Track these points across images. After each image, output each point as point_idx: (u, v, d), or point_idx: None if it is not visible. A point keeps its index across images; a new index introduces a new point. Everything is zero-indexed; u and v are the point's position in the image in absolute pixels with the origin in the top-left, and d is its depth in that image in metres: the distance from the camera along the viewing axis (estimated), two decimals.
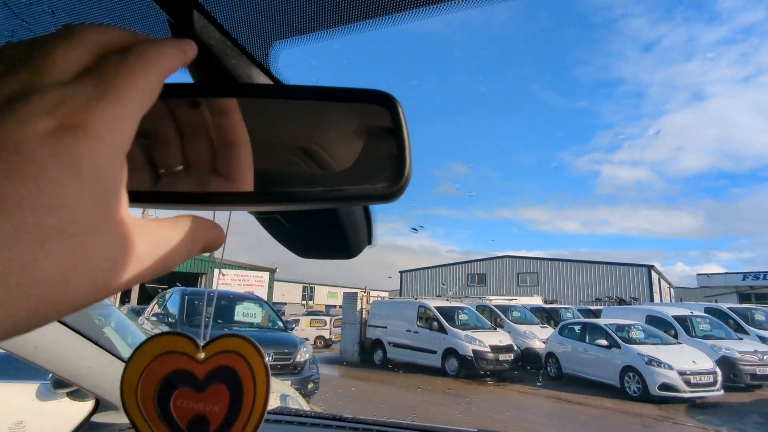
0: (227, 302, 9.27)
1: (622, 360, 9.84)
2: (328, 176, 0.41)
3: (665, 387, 8.94)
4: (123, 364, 1.58)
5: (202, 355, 0.65)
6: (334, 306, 31.31)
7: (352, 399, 9.00)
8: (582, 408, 8.68)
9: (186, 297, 9.32)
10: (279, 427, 1.52)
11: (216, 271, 24.16)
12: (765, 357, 10.35)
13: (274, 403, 3.90)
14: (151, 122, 0.47)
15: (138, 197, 0.50)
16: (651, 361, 9.32)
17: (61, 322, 1.24)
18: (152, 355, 0.65)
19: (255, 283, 23.79)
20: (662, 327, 11.40)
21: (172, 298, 9.78)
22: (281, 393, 4.01)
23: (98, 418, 1.44)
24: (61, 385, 2.44)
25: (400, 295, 28.59)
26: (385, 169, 0.40)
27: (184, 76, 0.49)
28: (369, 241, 0.70)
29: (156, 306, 10.26)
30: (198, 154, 0.43)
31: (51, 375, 2.49)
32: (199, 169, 0.43)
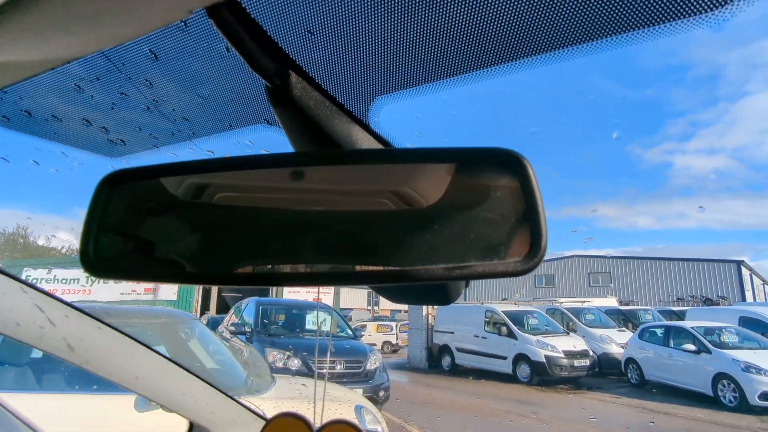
0: (298, 311, 9.61)
1: (714, 366, 9.04)
2: (451, 251, 0.37)
3: (767, 396, 8.10)
4: (213, 389, 1.67)
5: None
6: (399, 311, 31.40)
7: (424, 406, 8.96)
8: (670, 419, 8.07)
9: (260, 307, 9.75)
10: None
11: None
12: None
13: (349, 414, 3.96)
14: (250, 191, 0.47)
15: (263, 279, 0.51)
16: (748, 367, 8.49)
17: (158, 353, 1.35)
18: None
19: (322, 291, 24.41)
20: (759, 330, 10.36)
21: (248, 308, 10.26)
22: (356, 404, 4.07)
23: None
24: (144, 406, 2.65)
25: (465, 299, 28.17)
26: (516, 241, 0.35)
27: (283, 144, 0.49)
28: (467, 284, 0.66)
29: (233, 316, 10.80)
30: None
31: None
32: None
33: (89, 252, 0.45)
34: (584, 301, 17.46)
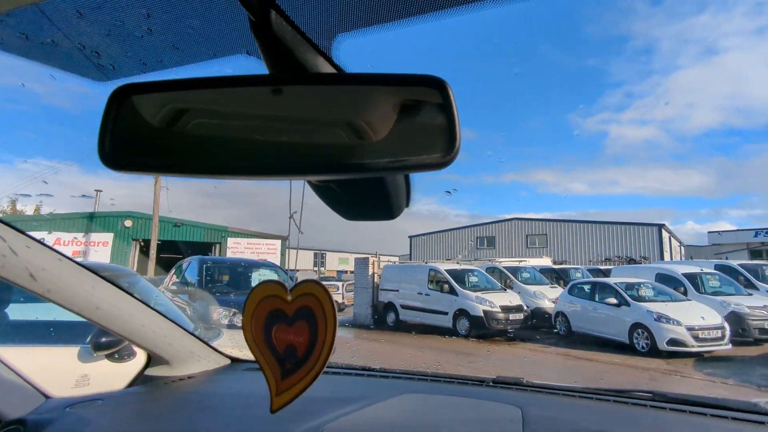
0: (243, 269, 9.52)
1: (631, 317, 10.02)
2: (392, 149, 0.49)
3: (673, 342, 9.14)
4: (169, 322, 1.69)
5: (290, 297, 0.81)
6: (345, 271, 31.80)
7: (368, 359, 9.33)
8: (591, 364, 8.93)
9: (204, 265, 9.56)
10: None
11: (230, 240, 24.54)
12: None
13: None
14: (234, 105, 0.56)
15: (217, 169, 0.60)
16: (660, 317, 9.49)
17: (118, 286, 1.35)
18: (258, 298, 0.83)
19: (267, 251, 24.19)
20: (672, 285, 11.52)
21: (191, 267, 10.03)
22: None
23: (151, 372, 1.57)
24: (100, 347, 2.60)
25: (410, 260, 28.94)
26: (439, 142, 0.47)
27: (260, 68, 0.56)
28: (407, 204, 0.78)
29: (174, 276, 10.53)
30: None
31: (90, 338, 2.65)
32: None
33: (106, 148, 0.52)
34: (521, 261, 18.52)
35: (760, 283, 12.38)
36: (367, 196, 0.73)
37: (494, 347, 10.75)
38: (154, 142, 0.54)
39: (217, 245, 24.55)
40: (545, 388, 1.39)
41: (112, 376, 2.44)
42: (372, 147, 0.48)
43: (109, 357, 2.52)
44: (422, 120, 0.48)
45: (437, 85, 0.47)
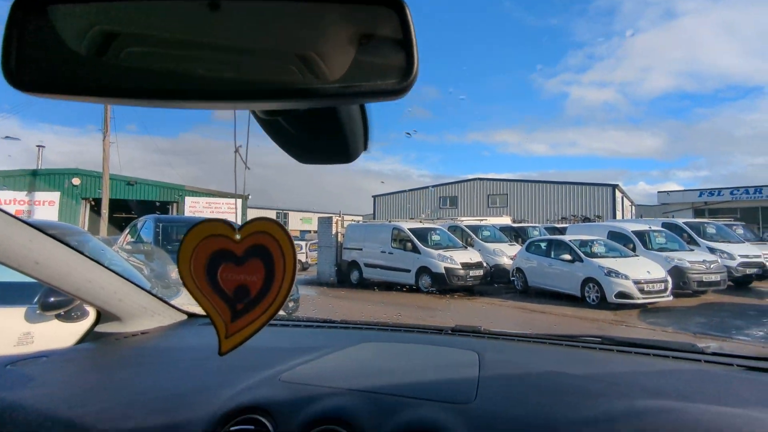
0: None
1: (583, 272, 10.52)
2: (344, 75, 0.44)
3: (621, 295, 9.71)
4: (119, 278, 1.60)
5: (238, 236, 0.75)
6: (309, 231, 31.66)
7: (331, 315, 9.43)
8: (545, 316, 9.40)
9: (160, 224, 9.24)
10: (275, 330, 1.62)
11: (188, 199, 23.78)
12: (711, 266, 11.25)
13: None
14: (160, 24, 0.48)
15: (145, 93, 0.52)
16: (610, 272, 10.01)
17: (58, 239, 1.25)
18: (199, 238, 0.76)
19: (227, 211, 23.65)
20: (622, 241, 12.12)
21: (146, 227, 9.68)
22: None
23: (101, 328, 1.50)
24: (48, 307, 2.47)
25: (374, 219, 29.06)
26: (395, 67, 0.43)
27: None
28: (365, 146, 0.72)
29: (128, 236, 10.15)
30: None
31: (38, 298, 2.52)
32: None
33: (11, 64, 0.44)
34: (482, 220, 18.95)
35: (701, 240, 13.22)
36: (321, 134, 0.67)
37: (454, 302, 11.11)
38: (72, 60, 0.46)
39: (174, 204, 23.78)
40: (501, 335, 1.42)
41: (60, 335, 2.34)
42: (322, 72, 0.44)
43: (60, 317, 2.40)
44: (377, 43, 0.44)
45: (395, 5, 0.43)
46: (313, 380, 0.96)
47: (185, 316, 1.71)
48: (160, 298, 1.66)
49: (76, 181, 21.71)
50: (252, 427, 0.82)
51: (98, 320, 1.58)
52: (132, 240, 9.79)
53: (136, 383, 1.08)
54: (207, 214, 22.23)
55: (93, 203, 21.33)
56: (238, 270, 0.75)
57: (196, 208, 23.43)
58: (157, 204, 22.86)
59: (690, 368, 1.09)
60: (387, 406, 0.81)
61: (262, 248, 0.75)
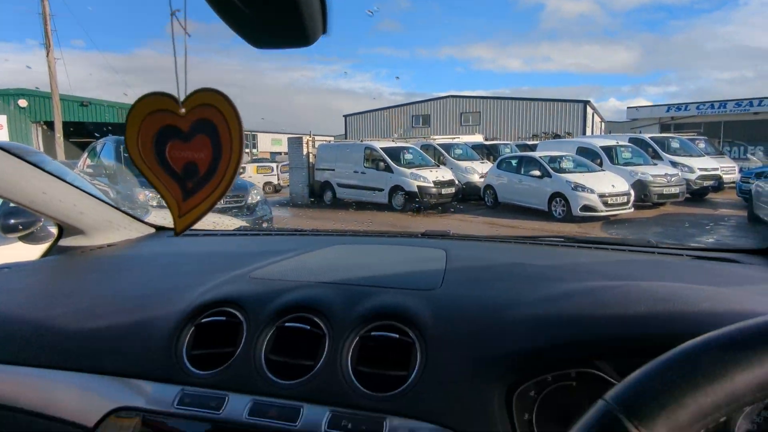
0: None
1: (551, 188, 10.80)
2: None
3: (586, 208, 10.09)
4: (78, 191, 1.52)
5: (183, 110, 0.71)
6: (279, 153, 30.98)
7: None
8: (513, 230, 9.76)
9: (121, 146, 8.81)
10: (246, 238, 1.61)
11: None
12: (672, 179, 11.71)
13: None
14: None
15: None
16: (576, 187, 10.31)
17: (4, 149, 1.15)
18: (143, 114, 0.73)
19: None
20: (590, 157, 12.37)
21: (106, 149, 9.22)
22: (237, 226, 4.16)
23: (65, 242, 1.45)
24: (9, 229, 2.37)
25: (346, 139, 28.55)
26: None
27: None
28: (324, 28, 0.66)
29: (88, 159, 9.68)
30: None
31: None
32: None
33: None
34: (455, 138, 18.86)
35: (665, 154, 13.62)
36: (275, 13, 0.60)
37: (426, 219, 11.35)
38: None
39: None
40: (469, 237, 1.46)
41: (25, 256, 2.28)
42: None
43: (24, 240, 2.32)
44: None
45: None
46: (284, 276, 0.97)
47: (153, 230, 1.67)
48: (126, 212, 1.61)
49: (22, 103, 20.15)
50: (223, 318, 0.83)
51: (61, 235, 1.52)
52: (92, 163, 9.37)
53: (104, 287, 1.07)
54: None
55: (45, 127, 20.04)
56: (185, 147, 0.73)
57: None
58: (116, 126, 21.67)
59: (644, 258, 1.16)
60: (355, 295, 0.83)
61: (208, 123, 0.72)
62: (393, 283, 0.89)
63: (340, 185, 13.99)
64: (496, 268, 1.02)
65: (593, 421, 0.30)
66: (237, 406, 0.72)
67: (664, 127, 25.00)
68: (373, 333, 0.76)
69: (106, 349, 0.84)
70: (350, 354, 0.75)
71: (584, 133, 25.88)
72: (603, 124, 32.09)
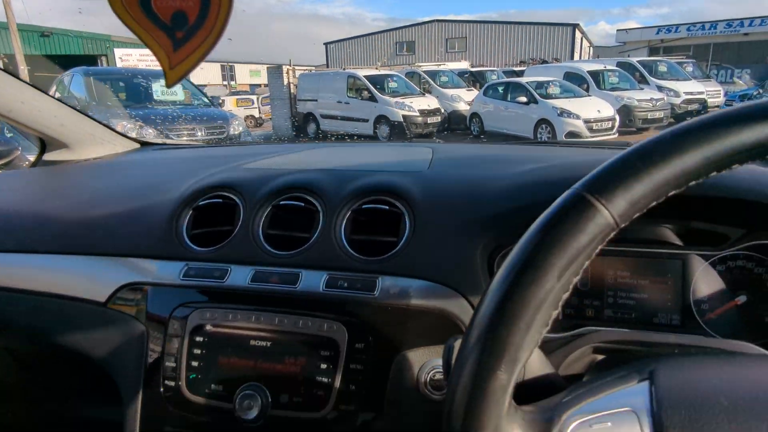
0: (141, 80, 8.51)
1: (537, 114, 10.72)
2: None
3: (571, 134, 10.10)
4: (58, 102, 1.48)
5: None
6: (259, 85, 29.81)
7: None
8: None
9: (92, 78, 8.40)
10: (233, 146, 1.61)
11: (117, 51, 21.33)
12: (657, 103, 11.68)
13: None
14: None
15: None
16: (562, 113, 10.25)
17: None
18: None
19: None
20: (577, 82, 12.18)
21: (75, 82, 8.77)
22: None
23: (49, 156, 1.43)
24: None
25: (327, 68, 27.52)
26: None
27: None
28: None
29: (57, 93, 9.23)
30: None
31: None
32: None
33: None
34: (440, 65, 18.30)
35: (652, 78, 13.46)
36: None
37: None
38: None
39: (103, 58, 21.38)
40: (455, 143, 1.49)
41: None
42: None
43: (6, 166, 2.28)
44: None
45: None
46: (276, 166, 0.99)
47: (138, 145, 1.65)
48: (109, 127, 1.58)
49: None
50: (220, 200, 0.86)
51: (44, 150, 1.50)
52: (62, 97, 8.94)
53: (100, 182, 1.09)
54: (142, 66, 20.27)
55: (6, 60, 18.82)
56: None
57: (128, 62, 21.20)
58: (82, 58, 20.45)
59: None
60: (347, 177, 0.86)
61: None
62: (382, 168, 0.93)
63: (323, 116, 13.68)
64: (480, 157, 1.07)
65: (560, 201, 0.35)
66: (240, 275, 0.77)
67: (654, 51, 24.50)
68: (364, 206, 0.80)
69: (108, 234, 0.87)
70: (343, 225, 0.79)
71: (572, 58, 25.28)
72: (591, 49, 31.30)
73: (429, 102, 12.47)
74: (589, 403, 0.37)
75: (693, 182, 0.33)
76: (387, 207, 0.79)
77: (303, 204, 0.82)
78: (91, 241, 0.87)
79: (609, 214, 0.33)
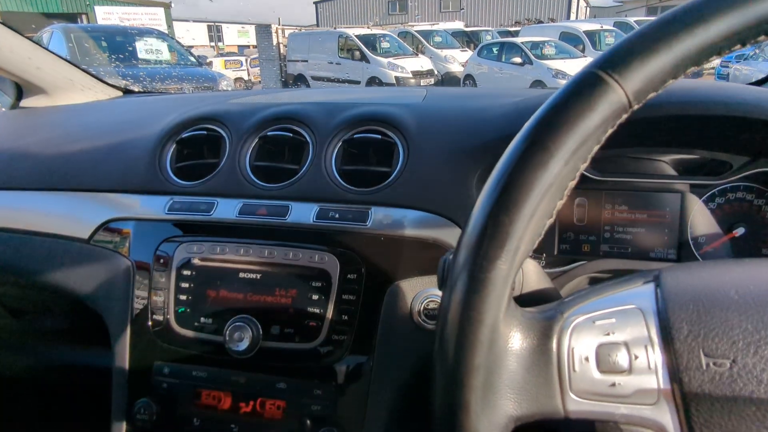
0: (124, 38, 8.19)
1: (532, 75, 10.54)
2: None
3: None
4: (34, 44, 1.41)
5: None
6: (248, 46, 28.94)
7: None
8: None
9: (72, 35, 8.07)
10: (219, 92, 1.55)
11: (99, 9, 20.46)
12: None
13: None
14: None
15: None
16: (557, 74, 10.09)
17: None
18: None
19: (148, 22, 20.80)
20: (573, 42, 11.94)
21: (55, 39, 8.41)
22: None
23: (27, 103, 1.37)
24: None
25: (318, 27, 26.71)
26: None
27: None
28: None
29: None
30: None
31: None
32: None
33: None
34: (434, 25, 17.81)
35: None
36: None
37: None
38: None
39: (83, 16, 20.52)
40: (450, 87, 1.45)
41: None
42: None
43: None
44: None
45: None
46: (264, 101, 0.95)
47: (120, 93, 1.59)
48: (89, 72, 1.51)
49: None
50: (204, 132, 0.82)
51: (20, 96, 1.43)
52: None
53: (79, 119, 1.04)
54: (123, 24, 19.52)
55: None
56: None
57: (110, 20, 20.39)
58: (61, 16, 19.62)
59: None
60: (338, 107, 0.83)
61: None
62: (374, 100, 0.89)
63: (314, 78, 13.37)
64: (475, 92, 1.04)
65: (571, 80, 0.32)
66: (227, 208, 0.74)
67: (651, 11, 23.95)
68: (355, 136, 0.77)
69: (89, 169, 0.84)
70: (334, 156, 0.77)
71: (568, 18, 24.69)
72: (588, 9, 30.54)
73: (422, 63, 12.19)
74: (592, 302, 0.35)
75: (715, 56, 0.31)
76: (380, 136, 0.76)
77: (291, 135, 0.79)
78: (71, 177, 0.84)
79: (623, 91, 0.30)
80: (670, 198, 0.77)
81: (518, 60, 10.90)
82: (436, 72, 12.38)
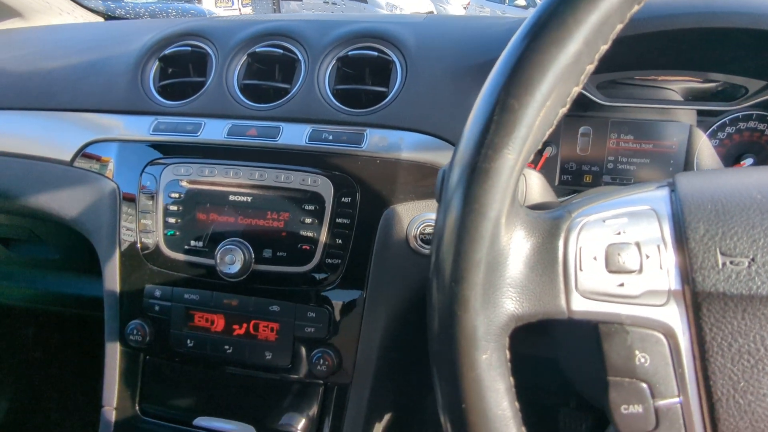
0: None
1: None
2: None
3: None
4: None
5: None
6: None
7: None
8: None
9: None
10: None
11: None
12: None
13: None
14: None
15: None
16: None
17: None
18: None
19: None
20: None
21: None
22: None
23: (2, 26, 1.29)
24: None
25: None
26: None
27: None
28: None
29: None
30: None
31: None
32: None
33: None
34: None
35: None
36: None
37: None
38: None
39: None
40: None
41: None
42: None
43: None
44: None
45: None
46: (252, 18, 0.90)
47: (102, 19, 1.50)
48: None
49: None
50: (188, 48, 0.77)
51: None
52: None
53: (55, 36, 0.99)
54: None
55: None
56: None
57: None
58: None
59: None
60: (331, 23, 0.78)
61: None
62: (371, 19, 0.83)
63: None
64: (477, 17, 0.99)
65: None
66: (214, 128, 0.71)
67: None
68: (350, 53, 0.72)
69: (68, 88, 0.80)
70: (327, 74, 0.72)
71: None
72: None
73: (423, 4, 11.66)
74: (602, 203, 0.33)
75: None
76: (376, 53, 0.71)
77: (282, 51, 0.74)
78: (49, 96, 0.80)
79: None
80: (678, 128, 0.75)
81: (522, 2, 10.44)
82: (435, 13, 11.88)
